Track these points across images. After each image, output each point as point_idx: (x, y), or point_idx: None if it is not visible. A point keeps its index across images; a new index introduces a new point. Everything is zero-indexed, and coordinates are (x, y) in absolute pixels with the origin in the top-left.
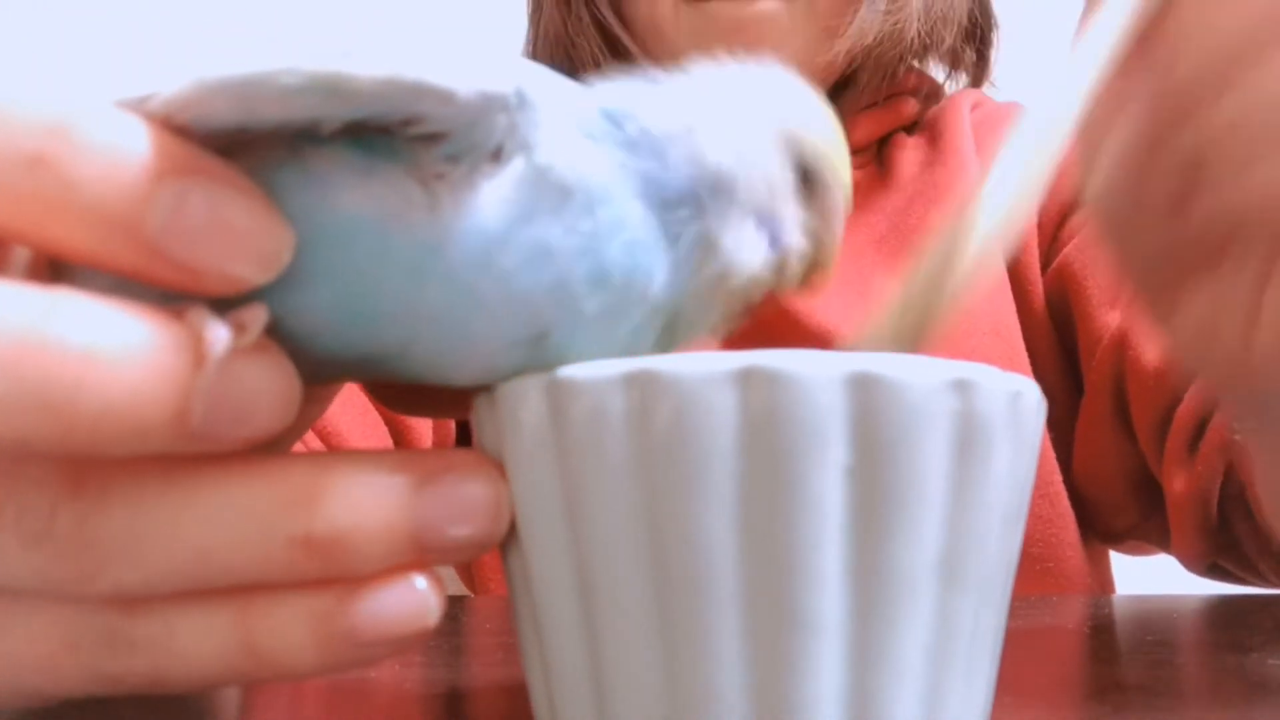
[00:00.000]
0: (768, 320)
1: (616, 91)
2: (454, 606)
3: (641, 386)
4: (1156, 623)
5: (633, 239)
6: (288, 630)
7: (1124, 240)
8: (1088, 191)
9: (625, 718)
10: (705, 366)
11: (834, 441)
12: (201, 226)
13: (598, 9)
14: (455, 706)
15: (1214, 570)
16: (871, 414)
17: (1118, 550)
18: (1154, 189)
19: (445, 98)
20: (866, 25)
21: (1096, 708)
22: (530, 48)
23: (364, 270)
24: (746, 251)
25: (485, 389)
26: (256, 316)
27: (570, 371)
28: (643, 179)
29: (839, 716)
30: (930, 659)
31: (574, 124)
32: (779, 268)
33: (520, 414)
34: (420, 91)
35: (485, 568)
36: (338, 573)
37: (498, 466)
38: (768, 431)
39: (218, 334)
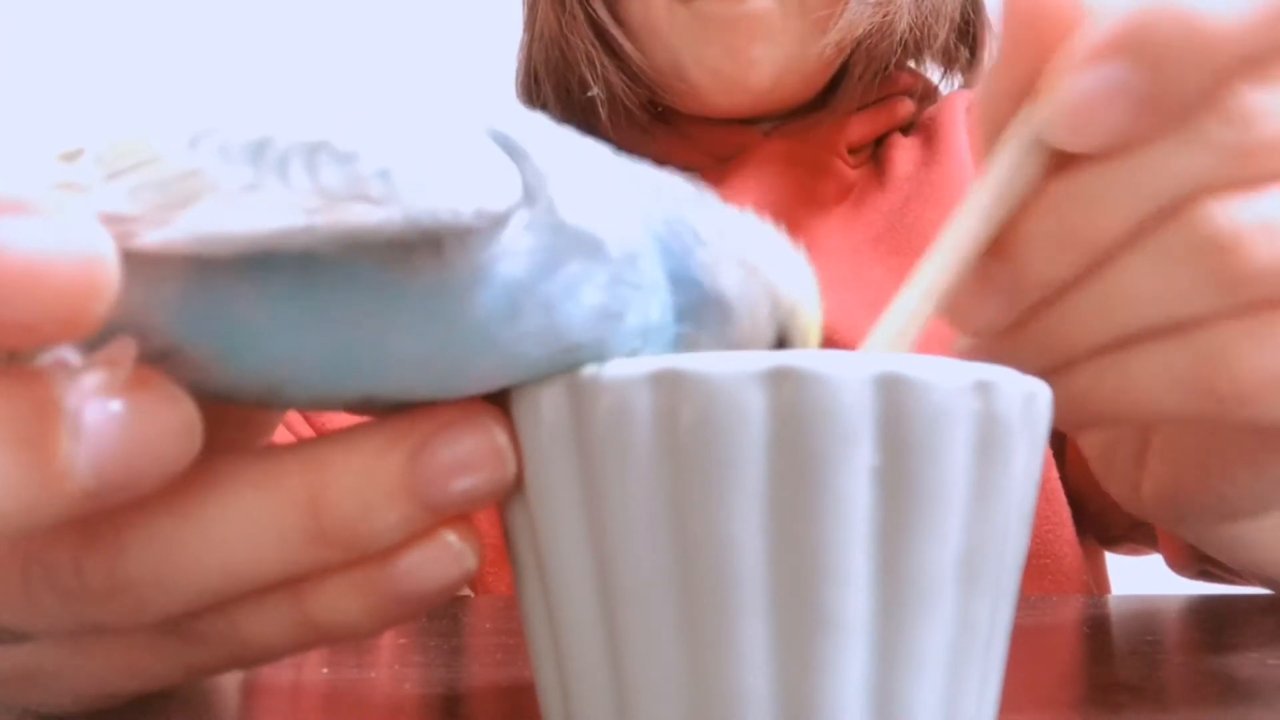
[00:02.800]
0: None
1: (667, 176)
2: (454, 606)
3: (667, 385)
4: (1155, 623)
5: (664, 306)
6: (340, 604)
7: None
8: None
9: (645, 710)
10: (733, 365)
11: (862, 442)
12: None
13: (592, 8)
14: (455, 706)
15: (1204, 574)
16: (898, 414)
17: (1114, 552)
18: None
19: (460, 232)
20: (856, 17)
21: (1096, 707)
22: (525, 49)
23: (368, 326)
24: None
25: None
26: (124, 349)
27: (593, 371)
28: (664, 249)
29: (863, 714)
30: (950, 657)
31: (624, 188)
32: None
33: (541, 413)
34: (435, 227)
35: (485, 564)
36: (362, 553)
37: (490, 411)
38: (797, 431)
39: (81, 386)
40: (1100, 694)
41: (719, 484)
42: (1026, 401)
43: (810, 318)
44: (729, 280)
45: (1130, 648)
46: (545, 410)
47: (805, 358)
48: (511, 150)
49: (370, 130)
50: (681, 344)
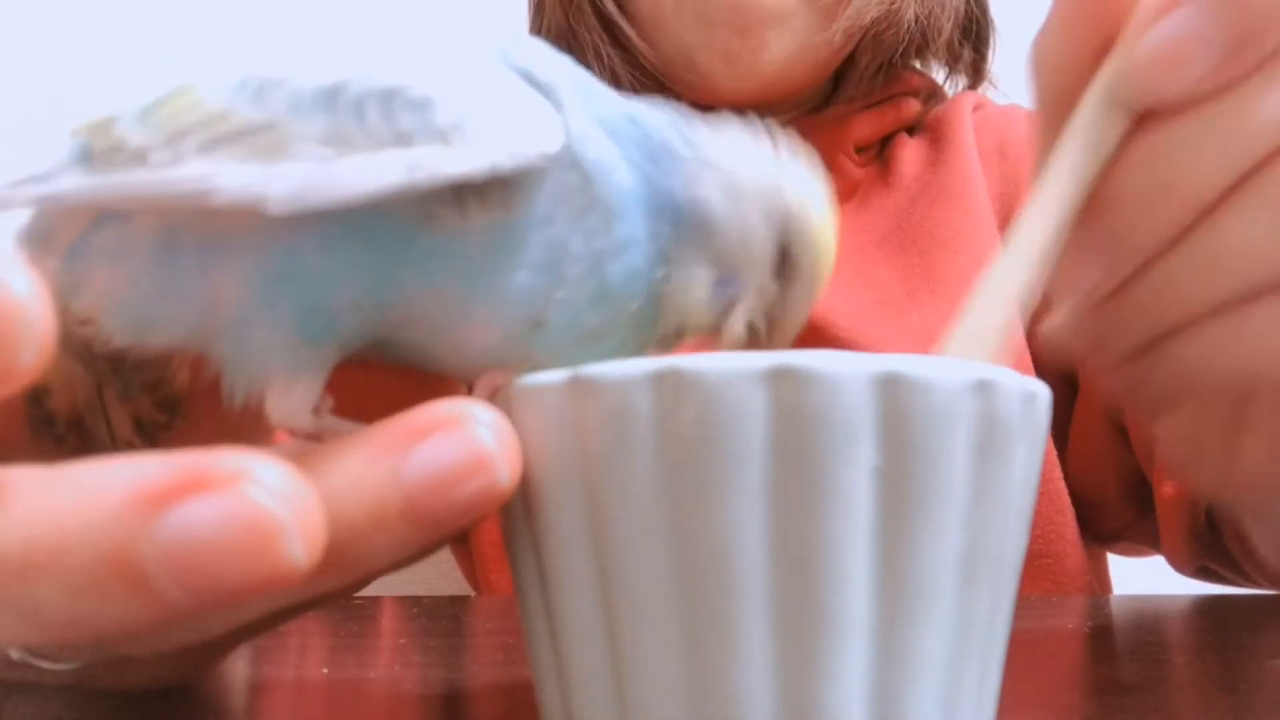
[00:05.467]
0: None
1: (647, 105)
2: (454, 606)
3: (668, 385)
4: (1155, 623)
5: (632, 265)
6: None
7: (1093, 372)
8: (1055, 334)
9: (645, 708)
10: (734, 365)
11: (863, 441)
12: None
13: (598, 0)
14: (455, 706)
15: (1203, 572)
16: (899, 414)
17: (1112, 551)
18: (1114, 342)
19: (524, 175)
20: (864, 4)
21: (1096, 707)
22: None
23: (393, 264)
24: (691, 295)
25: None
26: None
27: (594, 369)
28: (643, 178)
29: (864, 715)
30: (950, 656)
31: (594, 116)
32: (720, 322)
33: (539, 412)
34: (508, 172)
35: (488, 561)
36: (358, 575)
37: (475, 413)
38: (799, 430)
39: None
40: (1102, 695)
41: (719, 484)
42: (1026, 401)
43: (819, 228)
44: (708, 195)
45: (1133, 648)
46: (545, 409)
47: (806, 358)
48: (539, 87)
49: (427, 74)
50: (665, 282)
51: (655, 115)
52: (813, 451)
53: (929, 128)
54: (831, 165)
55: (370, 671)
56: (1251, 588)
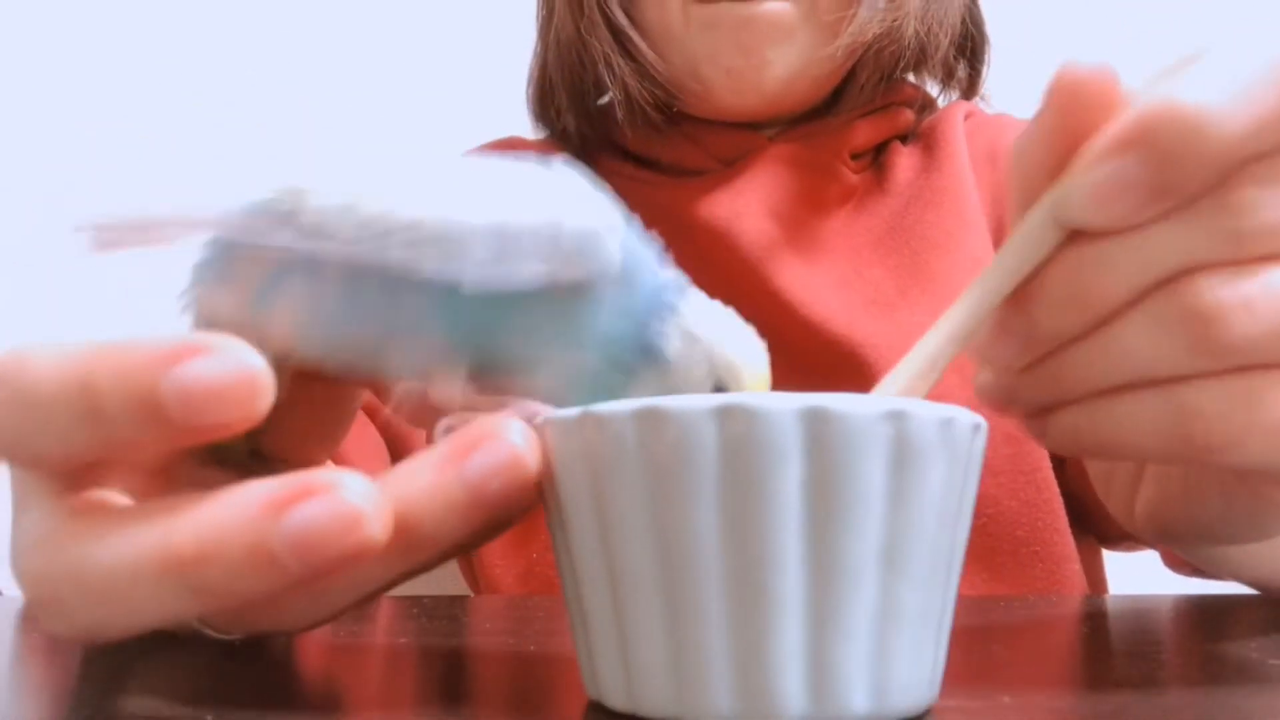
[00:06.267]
0: (767, 310)
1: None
2: (454, 606)
3: (650, 419)
4: (1154, 622)
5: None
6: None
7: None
8: (979, 390)
9: (642, 667)
10: (695, 404)
11: (792, 460)
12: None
13: (609, 11)
14: (455, 706)
15: (1197, 572)
16: (821, 439)
17: (1114, 550)
18: (1023, 402)
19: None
20: (865, 23)
21: (1096, 707)
22: (539, 56)
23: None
24: (640, 371)
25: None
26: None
27: (598, 408)
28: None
29: (801, 668)
30: (877, 627)
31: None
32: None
33: (563, 443)
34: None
35: (488, 568)
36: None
37: (514, 426)
38: (742, 453)
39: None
40: (1103, 694)
41: (686, 493)
42: (943, 426)
43: (749, 382)
44: (671, 344)
45: (1132, 647)
46: (567, 435)
47: (747, 397)
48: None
49: (559, 211)
50: (619, 387)
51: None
52: (753, 468)
53: (922, 136)
54: (829, 171)
55: (370, 671)
56: (1244, 586)
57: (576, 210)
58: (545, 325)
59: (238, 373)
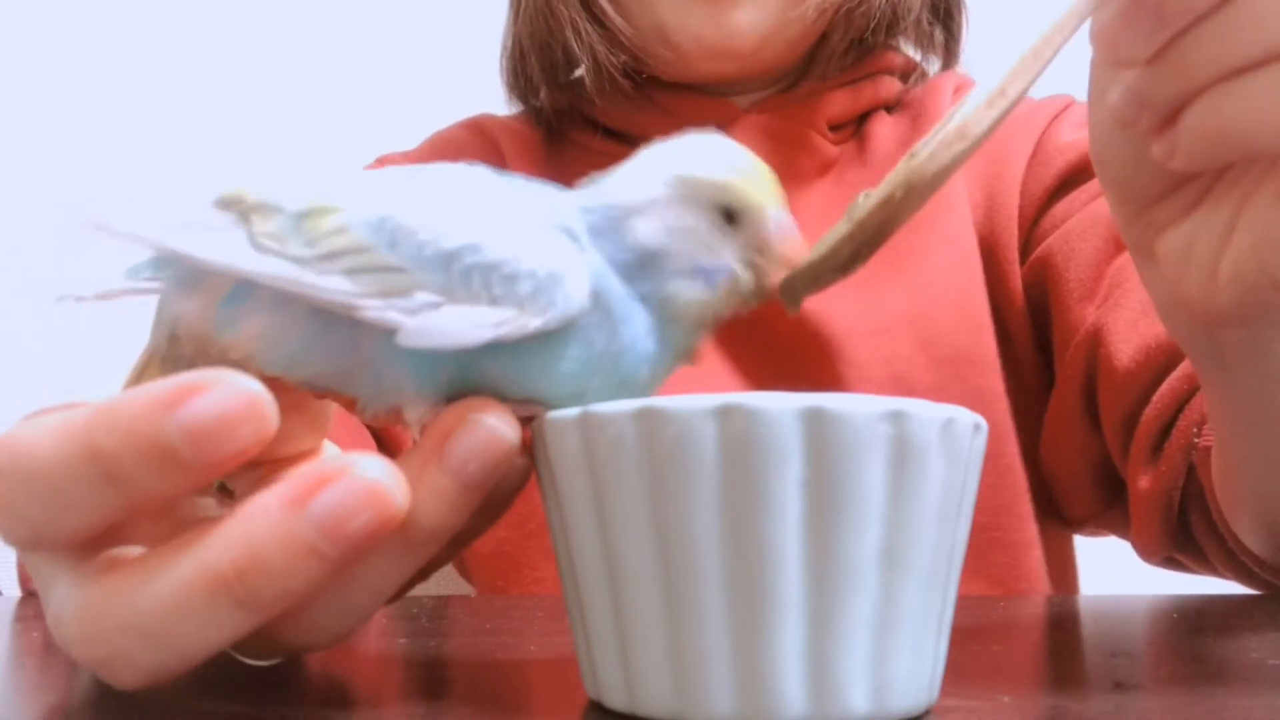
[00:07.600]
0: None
1: (585, 190)
2: (454, 606)
3: (649, 419)
4: (1154, 622)
5: (637, 352)
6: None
7: (1123, 168)
8: (1115, 105)
9: (642, 667)
10: (693, 404)
11: (792, 460)
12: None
13: None
14: (455, 706)
15: (1169, 562)
16: (821, 440)
17: (1079, 534)
18: (1155, 103)
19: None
20: None
21: (1096, 707)
22: (510, 27)
23: (475, 356)
24: (687, 297)
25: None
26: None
27: (597, 408)
28: (617, 265)
29: (800, 668)
30: (876, 627)
31: (593, 241)
32: (726, 296)
33: (563, 442)
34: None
35: (482, 568)
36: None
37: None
38: (742, 453)
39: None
40: (1102, 694)
41: (686, 492)
42: (944, 426)
43: (738, 178)
44: (646, 237)
45: (1131, 646)
46: (567, 441)
47: (747, 398)
48: (573, 238)
49: (512, 246)
50: (657, 300)
51: (589, 195)
52: (753, 468)
53: (908, 106)
54: (804, 142)
55: (369, 671)
56: (1214, 578)
57: (534, 249)
58: (519, 367)
59: (239, 400)
